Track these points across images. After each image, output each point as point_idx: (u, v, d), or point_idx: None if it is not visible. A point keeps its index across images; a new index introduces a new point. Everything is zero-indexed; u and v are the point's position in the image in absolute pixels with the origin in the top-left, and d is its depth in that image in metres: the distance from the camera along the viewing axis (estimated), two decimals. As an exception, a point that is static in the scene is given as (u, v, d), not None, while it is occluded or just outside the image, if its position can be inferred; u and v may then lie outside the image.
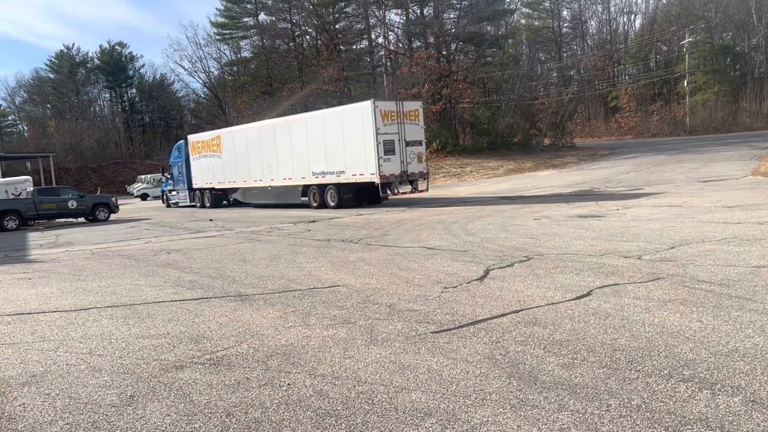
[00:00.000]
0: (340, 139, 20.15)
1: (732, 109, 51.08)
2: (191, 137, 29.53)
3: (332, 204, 20.61)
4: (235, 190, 26.50)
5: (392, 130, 19.33)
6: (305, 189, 21.90)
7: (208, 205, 27.97)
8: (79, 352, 5.13)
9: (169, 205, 31.94)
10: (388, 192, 19.83)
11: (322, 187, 21.10)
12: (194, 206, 29.03)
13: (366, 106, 19.21)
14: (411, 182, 20.20)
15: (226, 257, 10.53)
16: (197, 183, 28.76)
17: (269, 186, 23.85)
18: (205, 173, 28.05)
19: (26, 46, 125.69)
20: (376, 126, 18.82)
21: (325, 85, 50.48)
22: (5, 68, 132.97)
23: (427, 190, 21.25)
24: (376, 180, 19.11)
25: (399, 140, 19.46)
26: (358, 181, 19.80)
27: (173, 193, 31.43)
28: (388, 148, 19.20)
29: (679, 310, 5.11)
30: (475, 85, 50.08)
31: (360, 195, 20.65)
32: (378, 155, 18.87)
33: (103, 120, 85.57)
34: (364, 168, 19.40)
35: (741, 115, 50.84)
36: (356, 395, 3.77)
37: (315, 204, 21.30)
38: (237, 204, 26.91)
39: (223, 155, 26.56)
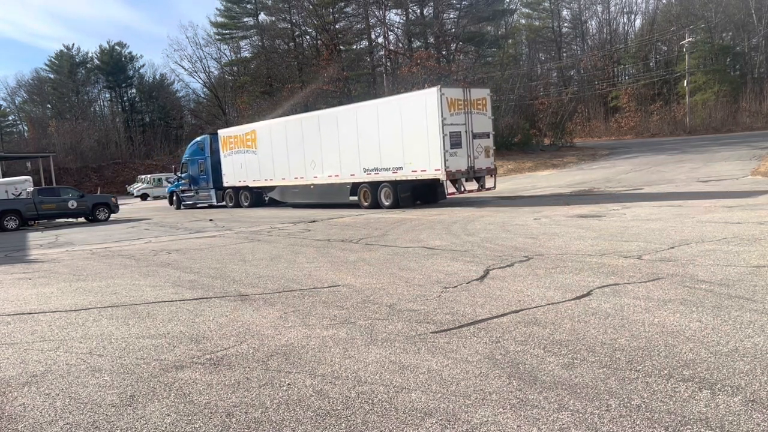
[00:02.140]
0: (398, 131, 18.22)
1: (732, 109, 51.10)
2: (222, 132, 27.45)
3: (387, 204, 18.83)
4: (272, 188, 24.48)
5: (459, 120, 17.39)
6: (355, 187, 20.00)
7: (246, 204, 25.78)
8: (79, 352, 5.13)
9: (180, 207, 29.71)
10: (454, 189, 17.92)
11: (374, 185, 19.23)
12: (223, 206, 27.17)
13: (431, 93, 17.32)
14: (477, 179, 18.45)
15: (226, 257, 10.53)
16: (228, 181, 26.51)
17: (312, 184, 21.86)
18: (238, 171, 25.84)
19: (24, 46, 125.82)
20: (442, 116, 16.88)
21: (325, 85, 50.49)
22: (2, 68, 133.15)
23: (494, 187, 19.29)
24: (441, 176, 17.26)
25: (466, 132, 17.53)
26: (419, 177, 17.99)
27: (188, 193, 29.29)
28: (455, 141, 17.29)
29: (679, 310, 5.11)
30: (475, 85, 50.10)
31: (416, 193, 18.97)
32: (444, 149, 16.95)
33: (103, 120, 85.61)
34: (427, 163, 17.51)
35: (741, 115, 50.84)
36: (356, 395, 3.77)
37: (366, 203, 19.57)
38: (274, 204, 24.95)
39: (259, 151, 24.45)
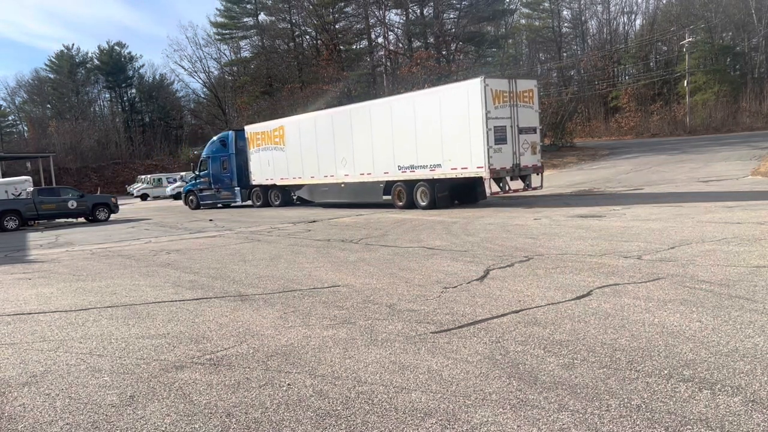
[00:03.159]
0: (437, 125, 16.94)
1: (732, 109, 51.08)
2: (249, 128, 26.19)
3: (423, 203, 17.68)
4: (300, 187, 23.39)
5: (504, 114, 16.11)
6: (388, 186, 18.82)
7: (276, 203, 24.66)
8: (79, 353, 5.13)
9: (198, 206, 28.17)
10: (498, 189, 16.69)
11: (410, 184, 18.07)
12: (249, 206, 25.99)
13: (474, 84, 15.99)
14: (523, 177, 17.10)
15: (226, 257, 10.53)
16: (256, 179, 25.33)
17: (343, 182, 20.69)
18: (265, 168, 24.72)
19: (23, 46, 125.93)
20: (485, 109, 15.61)
21: (325, 85, 50.50)
22: (2, 69, 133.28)
23: (541, 187, 17.86)
24: (485, 174, 16.06)
25: (511, 126, 16.26)
26: (459, 176, 16.77)
27: (208, 192, 27.77)
28: (499, 136, 15.99)
29: (679, 310, 5.11)
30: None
31: (454, 193, 17.83)
32: (487, 144, 15.69)
33: (103, 120, 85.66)
34: (468, 160, 16.24)
35: (741, 115, 50.83)
36: (356, 395, 3.77)
37: (401, 203, 18.41)
38: (303, 203, 23.87)
39: (287, 148, 23.29)
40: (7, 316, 6.87)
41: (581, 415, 3.27)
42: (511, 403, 3.49)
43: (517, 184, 17.17)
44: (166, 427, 3.51)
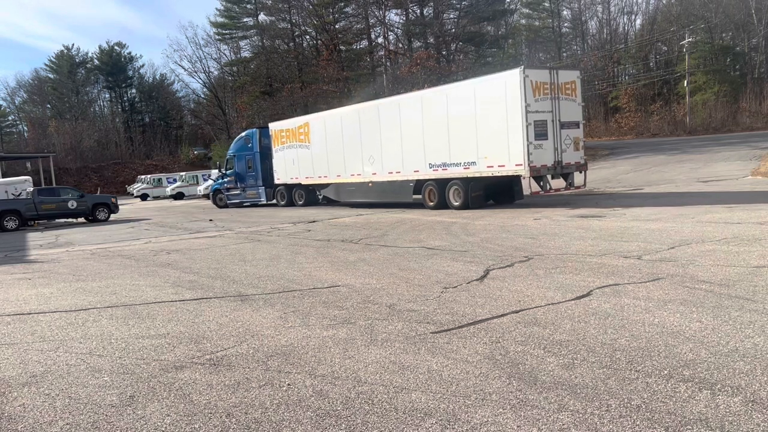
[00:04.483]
0: (471, 120, 15.89)
1: (732, 109, 51.06)
2: (273, 125, 25.44)
3: (456, 203, 16.70)
4: (325, 186, 22.61)
5: (545, 107, 15.02)
6: (419, 185, 17.95)
7: (300, 203, 24.00)
8: (79, 353, 5.13)
9: (225, 205, 27.85)
10: (539, 188, 15.61)
11: (442, 183, 17.15)
12: (273, 205, 25.50)
13: (513, 76, 14.90)
14: (565, 176, 16.00)
15: (226, 257, 10.53)
16: (280, 178, 24.65)
17: (370, 181, 19.80)
18: (290, 167, 23.92)
19: (22, 47, 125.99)
20: (525, 102, 14.56)
21: (324, 85, 50.51)
22: (2, 69, 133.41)
23: (584, 185, 16.78)
24: (524, 173, 14.99)
25: (552, 121, 15.17)
26: (495, 174, 15.70)
27: (234, 191, 27.31)
28: (540, 131, 14.90)
29: (679, 310, 5.11)
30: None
31: (489, 192, 16.95)
32: (527, 140, 14.62)
33: (103, 120, 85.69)
34: (506, 157, 15.17)
35: (741, 115, 50.80)
36: (356, 395, 3.77)
37: (432, 203, 17.50)
38: (329, 203, 23.21)
39: (312, 145, 22.46)
40: (7, 316, 6.87)
41: (581, 415, 3.27)
42: (511, 403, 3.49)
43: (558, 183, 16.03)
44: (166, 427, 3.51)
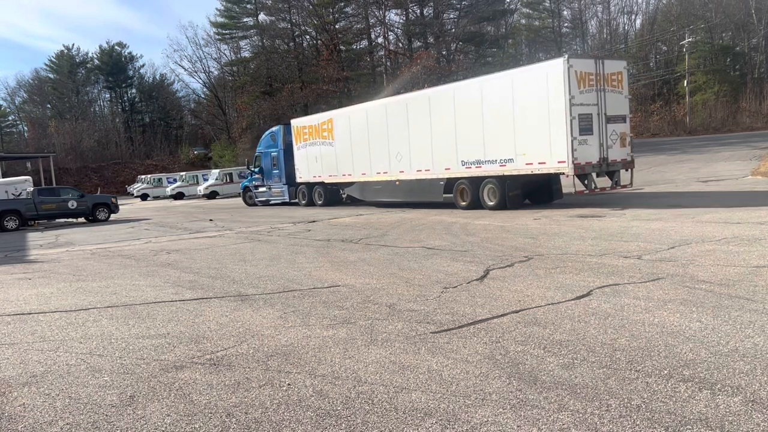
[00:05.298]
0: (509, 114, 14.88)
1: (732, 109, 51.08)
2: (295, 121, 24.53)
3: (491, 203, 15.73)
4: (349, 184, 21.60)
5: (590, 99, 13.97)
6: (450, 183, 17.01)
7: (320, 202, 23.11)
8: (79, 353, 5.13)
9: (254, 203, 27.35)
10: (583, 187, 14.53)
11: (476, 181, 16.17)
12: (295, 204, 24.70)
13: (556, 65, 13.97)
14: (610, 174, 14.92)
15: (226, 257, 10.53)
16: (302, 176, 23.70)
17: (397, 180, 18.90)
18: (312, 165, 22.95)
19: (22, 47, 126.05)
20: (569, 94, 13.54)
21: (324, 85, 50.52)
22: (2, 69, 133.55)
23: (631, 184, 15.58)
24: (567, 170, 13.87)
25: (598, 114, 14.09)
26: (535, 172, 14.66)
27: (262, 189, 26.65)
28: (585, 126, 13.87)
29: (679, 310, 5.11)
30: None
31: (526, 191, 16.04)
32: (571, 135, 13.58)
33: (103, 120, 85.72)
34: (547, 154, 14.17)
35: (741, 115, 50.81)
36: (356, 395, 3.77)
37: (464, 203, 16.57)
38: (353, 202, 22.34)
39: (336, 142, 21.53)
40: (7, 316, 6.87)
41: (581, 415, 3.27)
42: (511, 403, 3.49)
43: (603, 182, 15.02)
44: (166, 427, 3.51)
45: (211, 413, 3.65)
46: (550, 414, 3.32)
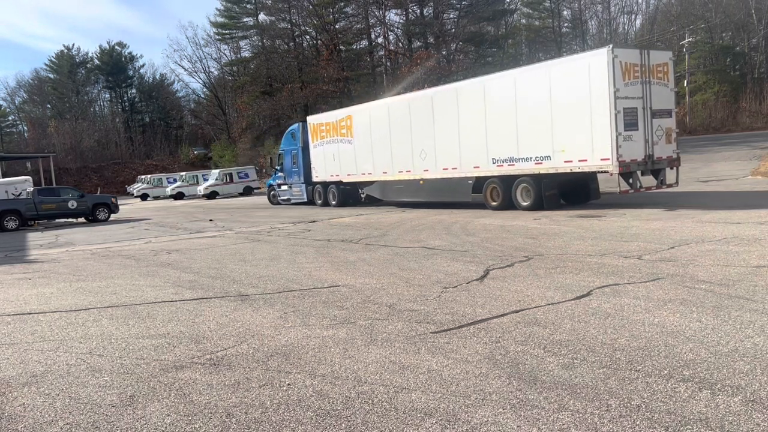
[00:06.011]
0: (545, 108, 13.95)
1: (732, 109, 51.05)
2: (311, 119, 23.69)
3: (525, 203, 14.81)
4: (369, 183, 20.64)
5: (635, 92, 13.08)
6: (479, 182, 16.07)
7: (334, 203, 22.27)
8: (79, 353, 5.13)
9: (278, 202, 26.74)
10: (627, 186, 13.66)
11: (508, 180, 15.26)
12: (312, 204, 23.94)
13: (599, 56, 12.99)
14: (655, 172, 13.92)
15: (226, 257, 10.53)
16: (318, 175, 22.90)
17: (421, 179, 17.96)
18: (330, 163, 22.07)
19: (22, 47, 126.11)
20: (614, 86, 12.63)
21: (324, 85, 50.53)
22: (2, 69, 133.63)
23: (677, 183, 14.54)
24: (612, 168, 12.94)
25: (644, 108, 13.20)
26: (575, 170, 13.74)
27: (283, 188, 26.04)
28: (630, 121, 12.94)
29: (679, 310, 5.11)
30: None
31: (562, 190, 15.08)
32: (615, 130, 12.68)
33: (103, 120, 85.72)
34: (589, 150, 13.25)
35: (741, 115, 50.79)
36: (356, 395, 3.77)
37: (494, 203, 15.64)
38: (372, 202, 21.43)
39: (355, 140, 20.62)
40: (7, 316, 6.87)
41: (581, 415, 3.27)
42: (511, 403, 3.49)
43: (648, 181, 14.07)
44: (166, 427, 3.51)
45: (211, 413, 3.65)
46: (550, 414, 3.32)
